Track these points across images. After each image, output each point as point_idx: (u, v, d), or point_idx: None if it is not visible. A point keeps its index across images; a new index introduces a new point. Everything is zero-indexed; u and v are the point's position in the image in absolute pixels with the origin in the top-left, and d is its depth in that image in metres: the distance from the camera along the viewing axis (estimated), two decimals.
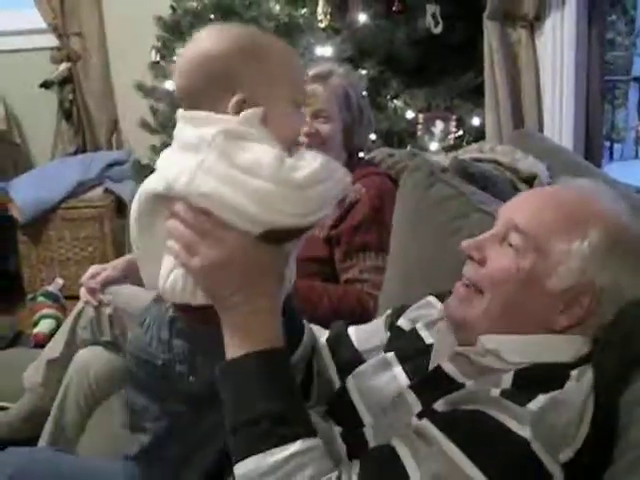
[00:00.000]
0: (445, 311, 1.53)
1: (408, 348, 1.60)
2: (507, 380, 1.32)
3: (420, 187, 2.16)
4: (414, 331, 1.64)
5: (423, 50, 3.79)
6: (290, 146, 1.32)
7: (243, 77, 1.32)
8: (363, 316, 2.46)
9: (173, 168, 1.29)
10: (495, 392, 1.28)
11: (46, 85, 4.90)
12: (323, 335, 1.76)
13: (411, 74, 3.83)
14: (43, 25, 4.95)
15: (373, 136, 3.68)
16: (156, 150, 4.29)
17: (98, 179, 4.77)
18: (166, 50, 4.05)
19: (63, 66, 4.93)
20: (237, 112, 1.30)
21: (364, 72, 3.70)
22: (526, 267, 1.40)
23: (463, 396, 1.31)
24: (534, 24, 3.72)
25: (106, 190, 4.76)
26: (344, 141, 2.75)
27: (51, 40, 5.00)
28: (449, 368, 1.42)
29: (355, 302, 2.54)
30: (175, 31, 3.96)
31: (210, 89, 1.32)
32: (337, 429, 1.47)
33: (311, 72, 2.72)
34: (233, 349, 1.27)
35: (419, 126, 3.80)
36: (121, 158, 4.90)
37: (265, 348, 1.26)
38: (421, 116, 3.81)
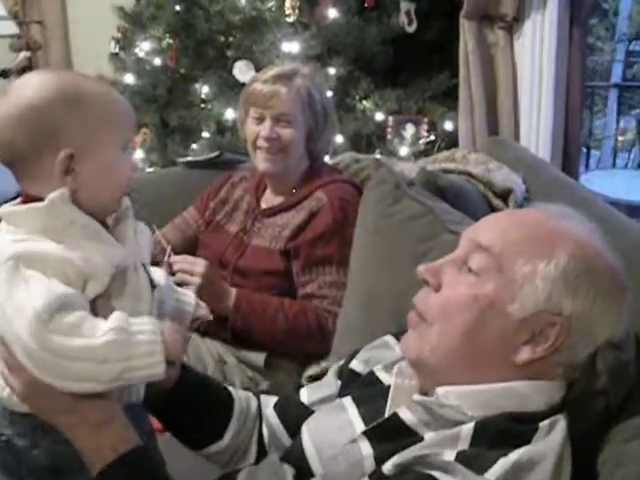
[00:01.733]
0: (401, 347, 1.38)
1: (364, 391, 1.46)
2: (467, 434, 1.20)
3: (384, 202, 1.99)
4: (371, 374, 1.50)
5: (396, 49, 3.67)
6: (123, 192, 1.32)
7: (68, 129, 1.26)
8: (321, 335, 2.33)
9: None
10: (450, 455, 1.15)
11: (4, 74, 4.72)
12: (270, 402, 1.65)
13: (382, 74, 3.70)
14: (2, 12, 4.73)
15: (340, 139, 3.52)
16: None
17: None
18: (126, 41, 3.86)
19: (22, 55, 4.75)
20: (65, 170, 1.26)
21: (333, 71, 3.54)
22: (487, 292, 1.26)
23: (417, 457, 1.19)
24: (513, 25, 3.55)
25: None
26: (307, 146, 2.56)
27: (11, 27, 4.79)
28: (406, 416, 1.29)
29: (313, 319, 2.38)
30: (136, 22, 3.79)
31: (33, 145, 1.26)
32: (291, 472, 1.38)
33: (273, 72, 2.53)
34: (91, 467, 1.25)
35: (389, 129, 3.67)
36: None
37: (115, 458, 1.24)
38: (391, 119, 3.68)
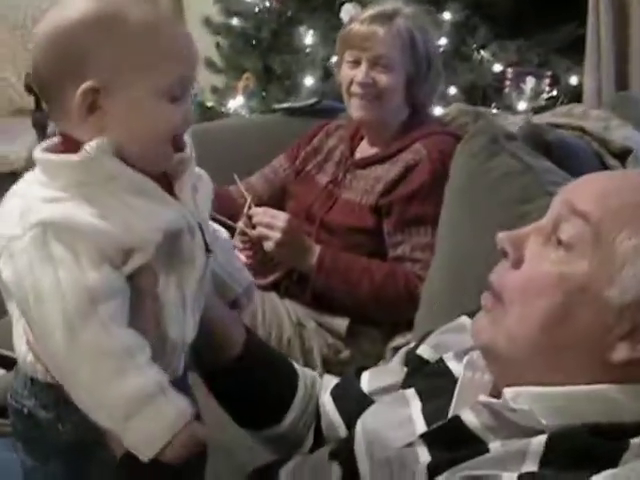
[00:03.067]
0: (471, 330, 1.15)
1: (431, 382, 1.23)
2: (537, 450, 0.96)
3: (479, 157, 1.74)
4: (441, 362, 1.27)
5: None
6: (165, 144, 1.12)
7: (98, 58, 1.07)
8: (410, 302, 2.10)
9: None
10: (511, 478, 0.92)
11: None
12: (329, 386, 1.44)
13: (502, 22, 3.40)
14: None
15: (453, 90, 3.27)
16: (218, 92, 3.98)
17: None
18: None
19: None
20: (86, 105, 1.07)
21: (448, 16, 3.28)
22: (578, 271, 1.00)
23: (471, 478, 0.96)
24: None
25: None
26: (406, 95, 2.33)
27: None
28: (470, 420, 1.06)
29: (402, 285, 2.18)
30: None
31: (57, 72, 1.09)
32: (337, 473, 1.19)
33: (372, 11, 2.32)
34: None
35: (507, 82, 3.38)
36: None
37: None
38: (510, 71, 3.38)
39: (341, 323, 2.26)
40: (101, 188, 1.08)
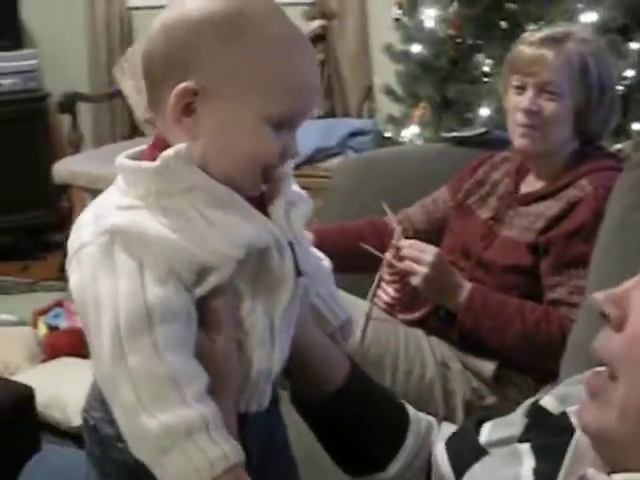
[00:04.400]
0: (576, 417, 1.01)
1: (550, 439, 1.08)
2: None
3: (637, 190, 1.56)
4: (564, 416, 1.12)
5: None
6: (255, 170, 1.04)
7: (207, 60, 1.01)
8: (562, 350, 1.92)
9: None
10: None
11: None
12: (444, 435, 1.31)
13: None
14: None
15: (637, 125, 3.04)
16: (395, 122, 3.88)
17: (339, 148, 4.39)
18: (410, 6, 3.59)
19: (316, 23, 4.61)
20: (181, 105, 1.01)
21: (636, 46, 3.05)
22: None
23: None
24: None
25: None
26: (575, 125, 2.16)
27: None
28: None
29: (555, 331, 2.02)
30: None
31: (167, 64, 1.03)
32: None
33: (542, 33, 2.17)
34: None
35: None
36: (366, 127, 4.49)
37: None
38: None
39: (488, 367, 2.11)
40: (180, 199, 1.01)
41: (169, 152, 1.01)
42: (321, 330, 1.23)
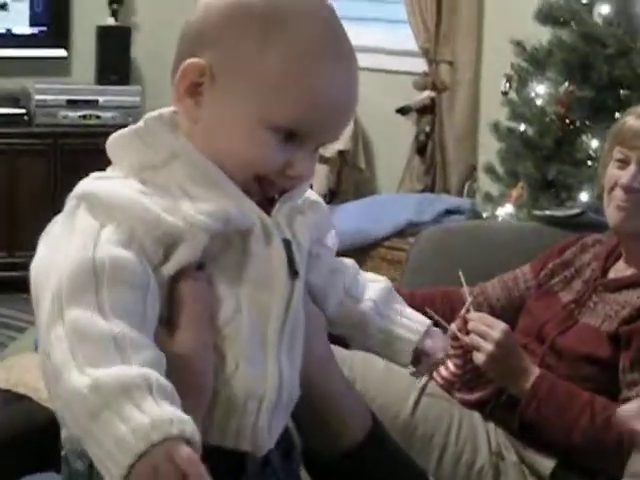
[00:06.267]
0: None
1: None
2: None
3: None
4: None
5: None
6: (246, 172, 0.94)
7: (223, 41, 0.93)
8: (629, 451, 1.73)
9: None
10: None
11: (403, 111, 4.50)
12: None
13: None
14: (413, 47, 4.55)
15: None
16: (491, 200, 3.73)
17: (432, 223, 4.24)
18: (520, 81, 3.46)
19: (426, 94, 4.50)
20: (187, 82, 0.93)
21: None
22: None
23: None
24: None
25: None
26: None
27: (417, 65, 4.58)
28: None
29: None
30: (534, 61, 3.37)
31: (191, 39, 0.96)
32: None
33: None
34: None
35: None
36: (464, 206, 4.35)
37: None
38: None
39: (547, 463, 1.92)
40: (162, 174, 0.92)
41: (152, 114, 0.95)
42: (345, 379, 1.12)
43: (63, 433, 0.98)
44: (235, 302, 0.92)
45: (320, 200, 1.06)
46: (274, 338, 0.94)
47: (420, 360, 1.14)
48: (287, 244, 0.96)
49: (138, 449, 0.73)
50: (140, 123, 0.95)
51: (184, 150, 0.93)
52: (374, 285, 1.15)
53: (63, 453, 0.98)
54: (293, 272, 0.96)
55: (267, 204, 0.96)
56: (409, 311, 1.16)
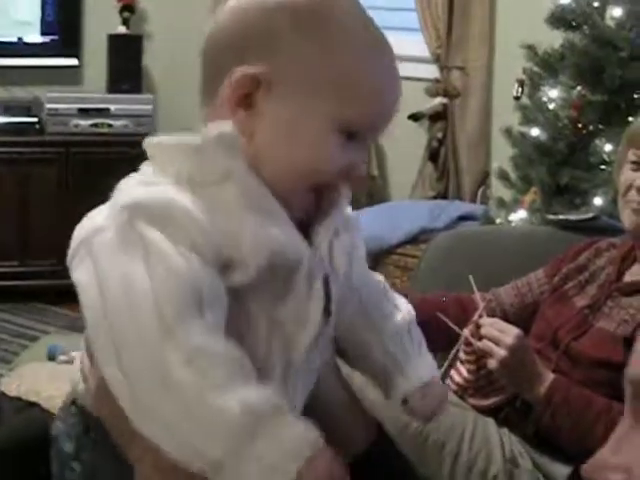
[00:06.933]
0: None
1: None
2: None
3: None
4: None
5: None
6: (310, 181, 0.92)
7: (282, 47, 0.91)
8: None
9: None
10: None
11: (415, 117, 4.47)
12: None
13: None
14: (425, 54, 4.54)
15: None
16: (504, 206, 3.71)
17: (446, 230, 4.21)
18: (533, 86, 3.45)
19: (437, 100, 4.49)
20: (238, 94, 0.90)
21: None
22: None
23: None
24: None
25: None
26: None
27: (429, 71, 4.57)
28: None
29: None
30: (546, 65, 3.35)
31: (230, 45, 0.93)
32: None
33: None
34: None
35: None
36: (477, 212, 4.32)
37: None
38: None
39: (562, 470, 1.90)
40: (211, 187, 0.88)
41: (212, 131, 0.90)
42: (349, 389, 1.12)
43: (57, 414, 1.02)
44: (266, 325, 0.92)
45: (353, 215, 1.05)
46: (296, 368, 0.95)
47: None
48: (326, 280, 0.95)
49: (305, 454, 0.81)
50: (199, 139, 0.90)
51: (239, 172, 0.89)
52: (395, 315, 1.12)
53: (54, 433, 0.99)
54: (328, 312, 0.96)
55: (304, 225, 0.95)
56: (416, 354, 1.13)
